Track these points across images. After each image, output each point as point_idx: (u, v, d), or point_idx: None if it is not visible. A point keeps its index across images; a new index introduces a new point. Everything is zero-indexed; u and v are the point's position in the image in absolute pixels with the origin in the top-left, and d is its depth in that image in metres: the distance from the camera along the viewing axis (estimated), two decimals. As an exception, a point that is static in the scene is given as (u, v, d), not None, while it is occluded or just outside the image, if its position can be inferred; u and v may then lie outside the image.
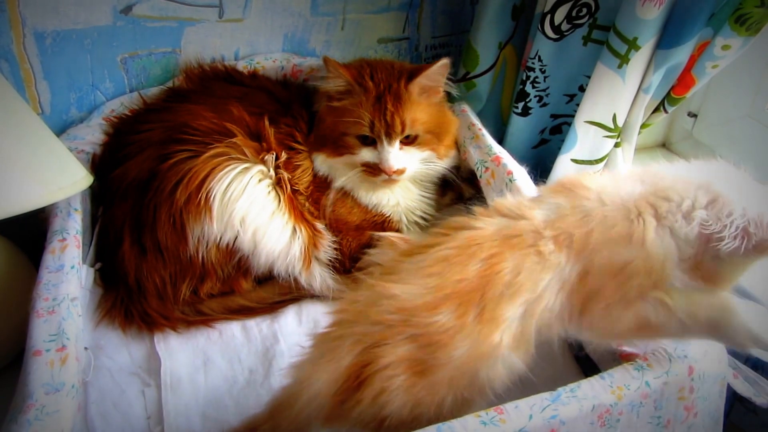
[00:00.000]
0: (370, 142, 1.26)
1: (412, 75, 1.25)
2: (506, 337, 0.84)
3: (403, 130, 1.24)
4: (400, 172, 1.26)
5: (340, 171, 1.28)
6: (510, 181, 1.28)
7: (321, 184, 1.28)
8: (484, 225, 0.89)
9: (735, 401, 1.25)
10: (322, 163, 1.29)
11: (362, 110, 1.23)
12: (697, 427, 0.96)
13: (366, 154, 1.26)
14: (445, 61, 1.24)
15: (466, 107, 1.49)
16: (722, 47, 1.17)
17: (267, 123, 1.23)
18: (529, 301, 0.85)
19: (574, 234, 0.85)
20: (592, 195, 0.88)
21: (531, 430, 0.83)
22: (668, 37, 1.18)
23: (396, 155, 1.25)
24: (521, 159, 1.35)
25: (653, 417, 0.91)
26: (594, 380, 0.88)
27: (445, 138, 1.30)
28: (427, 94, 1.28)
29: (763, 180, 1.38)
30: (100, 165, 1.28)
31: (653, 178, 0.89)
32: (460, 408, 0.86)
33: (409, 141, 1.27)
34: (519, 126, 1.48)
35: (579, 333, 0.91)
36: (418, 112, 1.25)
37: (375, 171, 1.26)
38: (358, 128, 1.24)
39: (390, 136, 1.24)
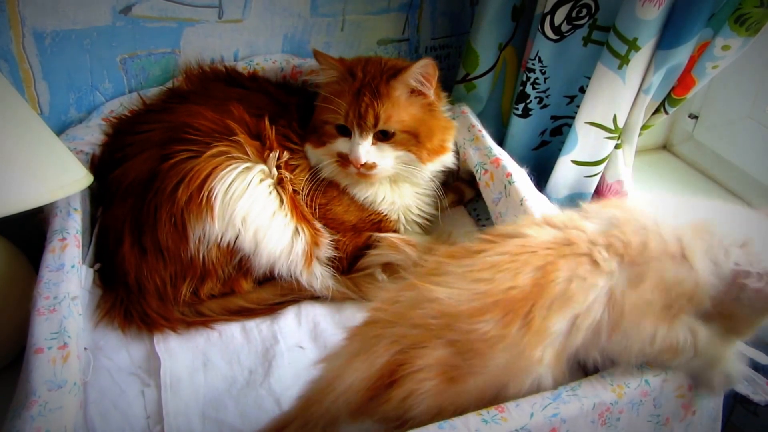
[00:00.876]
0: (347, 132, 1.25)
1: (395, 73, 1.24)
2: (548, 354, 0.84)
3: (375, 125, 1.23)
4: (370, 167, 1.24)
5: (323, 161, 1.28)
6: (509, 183, 1.28)
7: (315, 182, 1.28)
8: (535, 233, 0.89)
9: (736, 403, 1.25)
10: (311, 153, 1.29)
11: (342, 100, 1.23)
12: (695, 426, 0.97)
13: (341, 144, 1.26)
14: (426, 61, 1.22)
15: (466, 109, 1.49)
16: (722, 47, 1.17)
17: (267, 123, 1.23)
18: (577, 315, 0.84)
19: (630, 241, 0.86)
20: (646, 214, 0.89)
21: (532, 429, 0.83)
22: (668, 37, 1.19)
23: (366, 149, 1.23)
24: (521, 161, 1.35)
25: (652, 415, 0.92)
26: (594, 379, 0.88)
27: (429, 142, 1.28)
28: (414, 94, 1.26)
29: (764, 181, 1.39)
30: (99, 165, 1.28)
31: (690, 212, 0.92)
32: None
33: (385, 138, 1.25)
34: (519, 127, 1.48)
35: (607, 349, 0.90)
36: (397, 110, 1.23)
37: (346, 162, 1.25)
38: (336, 117, 1.24)
39: (362, 129, 1.23)
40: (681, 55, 1.20)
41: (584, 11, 1.31)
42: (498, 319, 0.81)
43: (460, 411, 0.84)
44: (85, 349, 1.08)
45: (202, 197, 1.14)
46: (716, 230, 0.87)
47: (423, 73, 1.24)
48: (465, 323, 0.81)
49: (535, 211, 1.21)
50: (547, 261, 0.85)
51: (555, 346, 0.84)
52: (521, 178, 1.29)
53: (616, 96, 1.26)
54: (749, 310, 0.87)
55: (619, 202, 0.95)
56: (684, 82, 1.25)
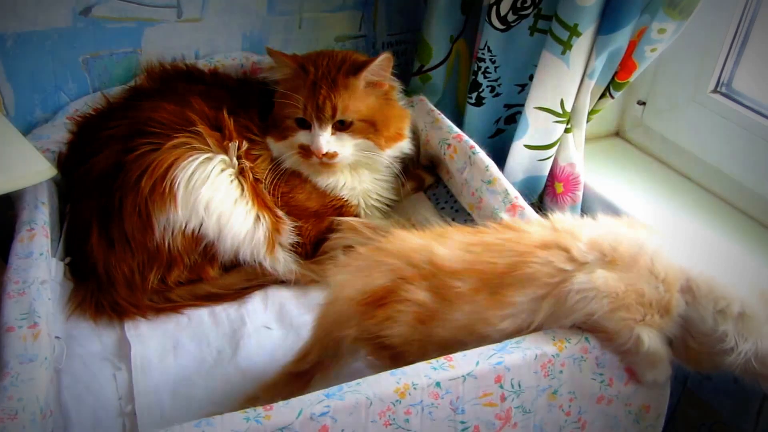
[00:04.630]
0: (307, 125, 1.30)
1: (356, 68, 1.29)
2: (507, 323, 0.92)
3: (333, 115, 1.27)
4: (331, 156, 1.29)
5: (286, 153, 1.32)
6: (473, 153, 1.35)
7: (278, 172, 1.32)
8: (533, 231, 0.99)
9: (691, 369, 1.30)
10: (273, 146, 1.33)
11: (298, 94, 1.28)
12: (642, 390, 0.99)
13: (301, 137, 1.30)
14: (386, 55, 1.29)
15: (423, 97, 1.54)
16: (658, 31, 1.22)
17: (226, 114, 1.27)
18: (542, 296, 0.92)
19: (618, 248, 0.92)
20: (653, 241, 0.94)
21: (478, 375, 0.88)
22: (607, 22, 1.24)
23: (326, 139, 1.28)
24: (479, 148, 1.40)
25: (596, 374, 0.95)
26: (538, 334, 0.93)
27: (386, 130, 1.33)
28: (370, 86, 1.31)
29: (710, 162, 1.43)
30: (66, 163, 1.31)
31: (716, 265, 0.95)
32: None
33: (343, 127, 1.30)
34: (474, 116, 1.52)
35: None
36: (354, 101, 1.28)
37: (307, 153, 1.30)
38: (295, 111, 1.29)
39: (321, 120, 1.27)
40: (620, 39, 1.25)
41: (528, 1, 1.36)
42: (472, 283, 0.93)
43: (422, 351, 0.94)
44: (58, 338, 1.11)
45: (165, 186, 1.17)
46: (718, 290, 0.90)
47: (383, 67, 1.30)
48: (446, 277, 0.94)
49: (499, 176, 1.30)
50: (528, 250, 0.94)
51: (517, 321, 0.93)
52: (482, 152, 1.36)
53: (562, 81, 1.31)
54: (717, 367, 0.92)
55: (636, 223, 1.00)
56: (626, 66, 1.30)
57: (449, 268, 0.95)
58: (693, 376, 1.27)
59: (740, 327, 0.88)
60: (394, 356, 0.96)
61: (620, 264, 0.91)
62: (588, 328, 0.93)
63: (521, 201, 1.25)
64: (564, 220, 1.01)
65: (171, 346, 1.18)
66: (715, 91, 1.44)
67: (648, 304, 0.90)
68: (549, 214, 1.03)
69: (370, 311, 0.96)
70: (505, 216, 1.21)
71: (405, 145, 1.40)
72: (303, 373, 1.02)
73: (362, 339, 0.98)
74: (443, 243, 0.98)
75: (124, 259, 1.21)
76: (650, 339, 0.90)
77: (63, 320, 1.18)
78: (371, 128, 1.32)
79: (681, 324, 0.92)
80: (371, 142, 1.33)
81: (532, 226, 1.01)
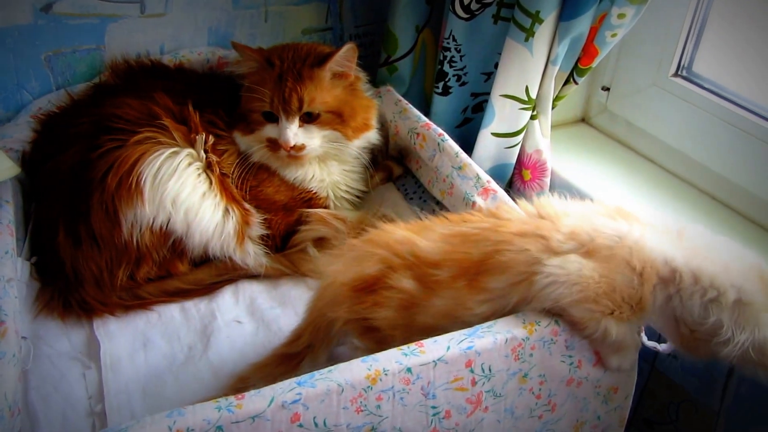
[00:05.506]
0: (274, 118, 1.30)
1: (321, 59, 1.29)
2: (484, 308, 0.95)
3: (300, 108, 1.28)
4: (299, 148, 1.29)
5: (253, 147, 1.32)
6: (442, 141, 1.36)
7: (245, 166, 1.32)
8: (513, 219, 1.01)
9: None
10: (240, 140, 1.33)
11: (265, 88, 1.28)
12: (610, 372, 1.00)
13: (269, 130, 1.30)
14: (350, 45, 1.29)
15: (390, 87, 1.55)
16: (618, 16, 1.25)
17: (191, 108, 1.27)
18: (515, 282, 0.93)
19: (596, 239, 0.91)
20: (635, 232, 0.92)
21: (449, 359, 0.88)
22: (568, 9, 1.25)
23: (294, 131, 1.28)
24: (447, 138, 1.41)
25: (565, 356, 0.96)
26: (509, 318, 0.94)
27: (353, 120, 1.34)
28: (336, 77, 1.31)
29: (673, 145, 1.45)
30: (30, 162, 1.30)
31: (704, 255, 0.91)
32: None
33: (310, 119, 1.30)
34: (441, 106, 1.53)
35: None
36: (320, 93, 1.28)
37: (275, 146, 1.30)
38: (261, 104, 1.29)
39: (288, 113, 1.27)
40: (581, 25, 1.26)
41: (491, -10, 1.37)
42: (450, 272, 0.97)
43: (406, 335, 0.97)
44: (24, 338, 1.10)
45: (132, 182, 1.17)
46: (705, 280, 0.88)
47: (347, 57, 1.30)
48: (426, 267, 0.98)
49: (469, 162, 1.31)
50: (504, 239, 0.95)
51: (494, 306, 0.95)
52: (451, 139, 1.37)
53: (526, 68, 1.32)
54: (714, 355, 0.89)
55: (628, 214, 0.97)
56: (588, 51, 1.32)
57: (430, 260, 0.98)
58: (661, 357, 1.29)
59: (736, 316, 0.86)
60: (380, 339, 0.99)
61: (597, 255, 0.91)
62: (557, 312, 0.94)
63: (494, 185, 1.26)
64: (549, 205, 1.01)
65: (141, 344, 1.17)
66: (676, 74, 1.46)
67: (620, 297, 0.90)
68: (534, 199, 1.03)
69: (361, 296, 1.00)
70: (478, 199, 1.23)
71: (372, 136, 1.40)
72: (294, 355, 1.05)
73: (352, 320, 1.01)
74: (426, 236, 1.02)
75: (91, 257, 1.20)
76: (617, 331, 0.91)
77: (29, 320, 1.17)
78: (338, 119, 1.32)
79: (670, 313, 0.91)
80: (339, 133, 1.33)
81: (515, 213, 1.03)
